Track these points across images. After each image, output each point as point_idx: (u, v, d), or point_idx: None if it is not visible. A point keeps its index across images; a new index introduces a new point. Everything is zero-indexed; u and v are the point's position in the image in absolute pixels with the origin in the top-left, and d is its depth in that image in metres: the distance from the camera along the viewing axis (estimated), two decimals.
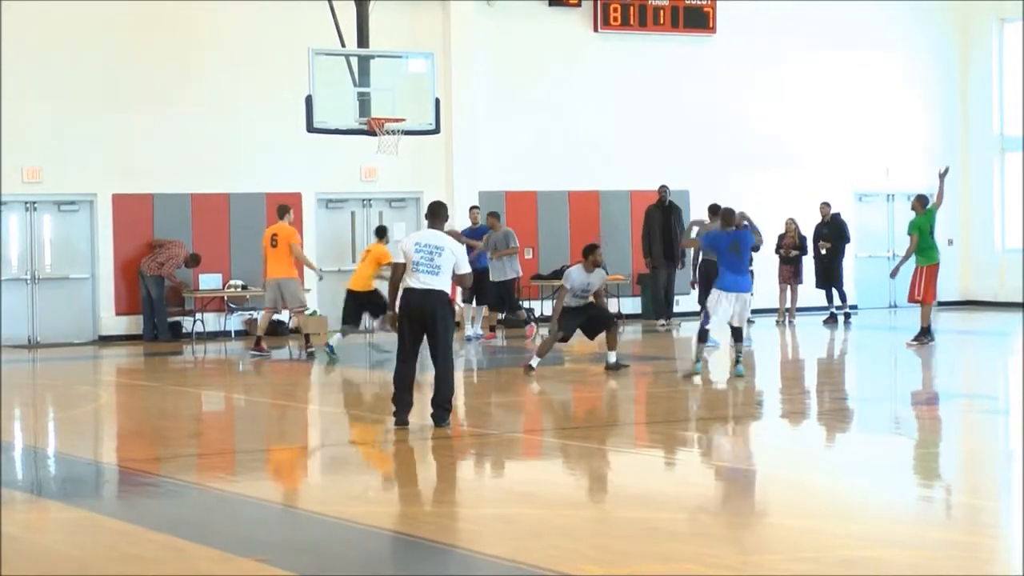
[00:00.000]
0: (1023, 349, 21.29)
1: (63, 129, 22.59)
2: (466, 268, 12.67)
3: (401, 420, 12.55)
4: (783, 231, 24.69)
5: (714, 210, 20.17)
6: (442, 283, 12.45)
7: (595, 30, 26.02)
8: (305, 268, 20.75)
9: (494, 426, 13.46)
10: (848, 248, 25.44)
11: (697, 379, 15.93)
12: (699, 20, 26.61)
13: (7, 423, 13.96)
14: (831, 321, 24.40)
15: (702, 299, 20.87)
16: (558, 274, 23.28)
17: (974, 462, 11.42)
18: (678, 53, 26.56)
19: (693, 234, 21.59)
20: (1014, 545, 8.02)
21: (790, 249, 24.60)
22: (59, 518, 9.33)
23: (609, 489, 10.43)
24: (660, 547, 8.09)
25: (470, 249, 21.99)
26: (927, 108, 28.75)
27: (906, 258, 20.20)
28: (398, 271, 12.69)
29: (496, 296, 22.17)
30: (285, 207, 20.19)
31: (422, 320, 12.45)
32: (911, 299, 20.13)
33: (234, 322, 23.71)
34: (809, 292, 25.15)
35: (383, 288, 18.11)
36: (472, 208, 23.18)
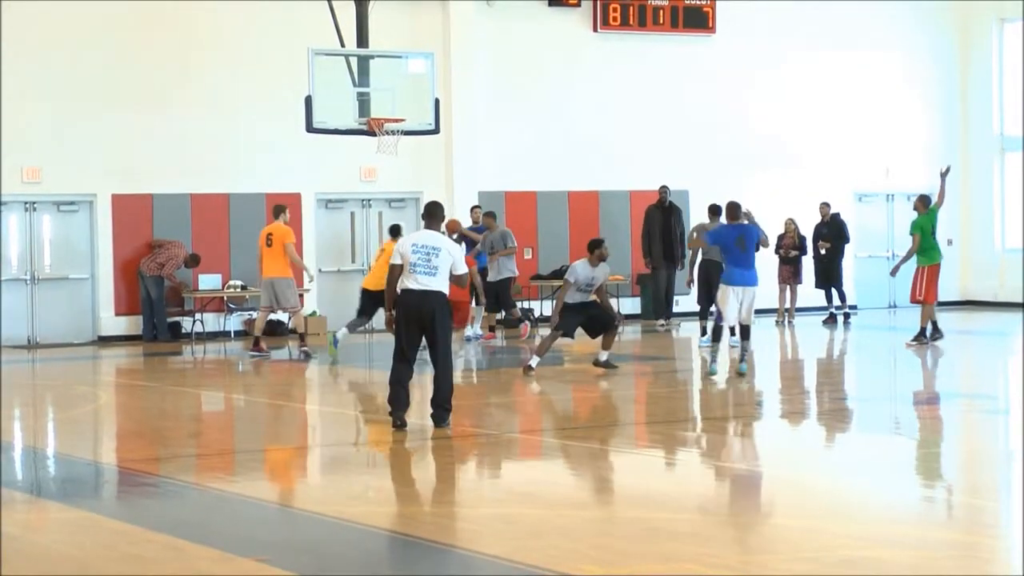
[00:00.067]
0: (1023, 349, 21.31)
1: (63, 129, 22.58)
2: (463, 268, 12.65)
3: (398, 421, 12.53)
4: (783, 231, 24.67)
5: (714, 210, 20.12)
6: (440, 284, 12.42)
7: (595, 30, 26.01)
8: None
9: (494, 426, 13.45)
10: (848, 248, 25.44)
11: (716, 378, 15.91)
12: (699, 20, 26.60)
13: (7, 423, 13.95)
14: (831, 321, 24.40)
15: (701, 299, 20.88)
16: (558, 274, 23.28)
17: (974, 462, 11.42)
18: (678, 53, 26.55)
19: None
20: (1014, 545, 8.02)
21: (790, 249, 24.59)
22: (59, 518, 9.33)
23: (609, 489, 10.42)
24: (660, 547, 8.09)
25: (472, 243, 22.06)
26: (927, 108, 28.75)
27: (907, 258, 20.21)
28: (395, 273, 12.60)
29: (492, 295, 22.17)
30: (281, 207, 20.17)
31: (420, 321, 12.43)
32: (913, 299, 20.16)
33: (234, 322, 23.70)
34: (809, 292, 25.14)
35: None
36: (474, 208, 23.19)
